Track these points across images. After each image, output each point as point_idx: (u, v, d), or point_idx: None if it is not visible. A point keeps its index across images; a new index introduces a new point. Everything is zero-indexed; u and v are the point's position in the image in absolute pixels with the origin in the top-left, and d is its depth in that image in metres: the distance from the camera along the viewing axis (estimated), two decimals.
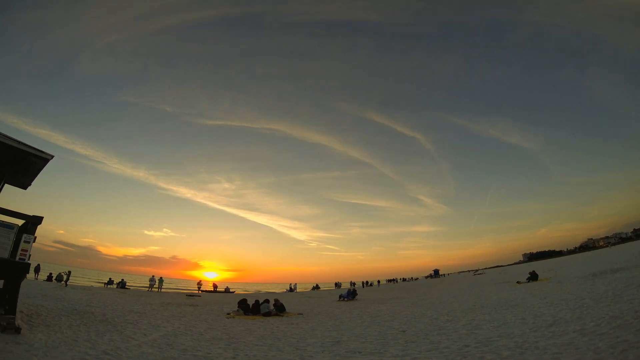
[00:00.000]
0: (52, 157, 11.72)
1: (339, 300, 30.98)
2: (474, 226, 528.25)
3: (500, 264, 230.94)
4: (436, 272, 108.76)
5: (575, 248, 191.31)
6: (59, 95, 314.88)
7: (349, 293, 32.37)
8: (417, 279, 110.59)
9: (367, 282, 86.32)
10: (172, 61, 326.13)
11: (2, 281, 9.81)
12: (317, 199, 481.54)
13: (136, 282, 64.05)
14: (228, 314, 19.37)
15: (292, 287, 66.76)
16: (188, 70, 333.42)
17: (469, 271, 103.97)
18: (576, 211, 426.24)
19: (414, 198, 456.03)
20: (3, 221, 9.95)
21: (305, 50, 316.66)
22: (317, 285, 72.59)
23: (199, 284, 50.47)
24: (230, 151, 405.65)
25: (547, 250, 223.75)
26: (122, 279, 43.45)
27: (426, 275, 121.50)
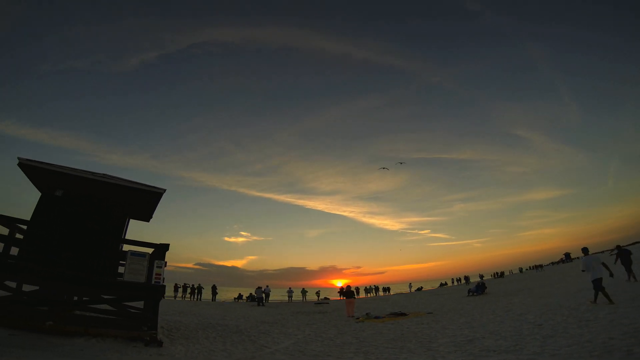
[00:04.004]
0: (165, 190, 13.70)
1: (468, 296, 31.07)
2: (613, 182, 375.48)
3: None
4: (567, 256, 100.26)
5: None
6: None
7: (478, 287, 32.09)
8: (541, 266, 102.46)
9: (499, 273, 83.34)
10: None
11: (143, 302, 11.72)
12: (377, 157, 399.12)
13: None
14: (357, 318, 20.01)
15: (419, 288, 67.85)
16: None
17: (603, 252, 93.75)
18: None
19: (513, 135, 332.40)
20: (136, 251, 11.78)
21: None
22: (444, 282, 72.15)
23: (317, 293, 53.95)
24: None
25: None
26: (251, 293, 47.35)
27: (556, 260, 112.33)
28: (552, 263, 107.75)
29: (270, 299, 45.14)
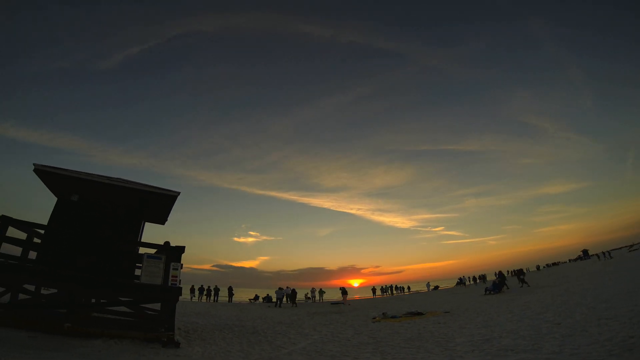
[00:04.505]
0: (179, 193, 13.84)
1: (485, 294, 30.98)
2: (632, 172, 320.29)
3: None
4: (585, 252, 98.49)
5: None
6: None
7: (495, 285, 31.81)
8: (556, 264, 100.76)
9: (521, 270, 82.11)
10: None
11: (160, 304, 11.83)
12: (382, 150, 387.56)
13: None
14: (374, 318, 19.99)
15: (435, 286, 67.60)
16: None
17: (621, 248, 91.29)
18: None
19: (522, 124, 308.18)
20: (152, 254, 11.93)
21: None
22: (461, 279, 71.46)
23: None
24: None
25: None
26: (268, 294, 47.95)
27: (574, 257, 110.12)
28: (571, 260, 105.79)
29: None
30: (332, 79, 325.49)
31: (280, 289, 41.11)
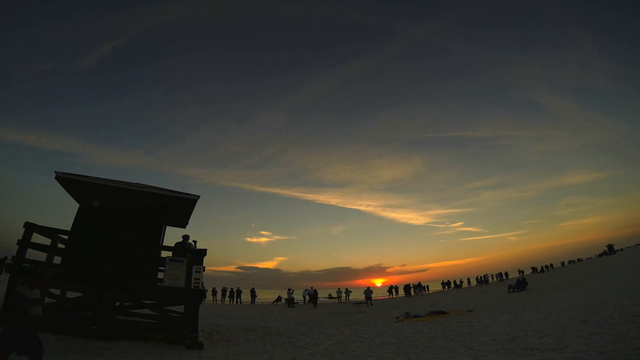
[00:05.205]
0: (199, 197, 13.97)
1: (508, 292, 30.73)
2: None
3: None
4: (610, 248, 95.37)
5: None
6: None
7: (519, 283, 31.41)
8: (581, 260, 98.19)
9: (546, 266, 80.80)
10: None
11: (183, 306, 11.98)
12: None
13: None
14: (397, 317, 19.84)
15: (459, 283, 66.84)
16: None
17: None
18: None
19: (534, 103, 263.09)
20: (174, 257, 12.09)
21: None
22: (484, 277, 70.56)
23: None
24: None
25: None
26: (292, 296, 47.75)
27: (599, 253, 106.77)
28: (598, 255, 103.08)
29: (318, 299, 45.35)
30: (309, 62, 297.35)
31: (305, 289, 41.07)
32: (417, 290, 53.19)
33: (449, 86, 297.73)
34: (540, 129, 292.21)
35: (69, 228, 12.34)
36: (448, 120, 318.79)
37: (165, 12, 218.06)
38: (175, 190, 13.72)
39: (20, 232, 10.55)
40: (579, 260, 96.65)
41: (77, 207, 12.99)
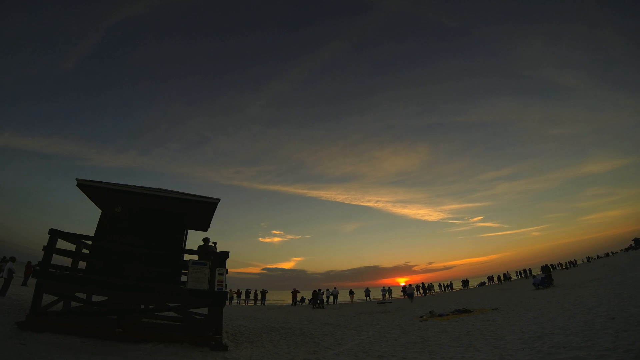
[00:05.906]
0: (219, 200, 14.14)
1: (534, 289, 30.20)
2: None
3: None
4: (637, 241, 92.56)
5: None
6: None
7: (544, 280, 30.88)
8: (607, 254, 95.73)
9: (570, 262, 79.47)
10: None
11: (207, 308, 12.11)
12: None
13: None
14: (421, 317, 19.69)
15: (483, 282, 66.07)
16: None
17: None
18: None
19: (544, 80, 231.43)
20: (197, 260, 12.24)
21: None
22: (507, 274, 69.68)
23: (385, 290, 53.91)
24: None
25: None
26: (321, 297, 47.98)
27: (625, 247, 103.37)
28: (624, 250, 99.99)
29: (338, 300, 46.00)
30: (284, 44, 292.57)
31: (327, 289, 41.06)
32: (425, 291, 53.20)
33: (439, 58, 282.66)
34: (551, 110, 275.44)
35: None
36: (446, 100, 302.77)
37: (130, 7, 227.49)
38: (195, 194, 13.88)
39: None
40: (606, 255, 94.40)
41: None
